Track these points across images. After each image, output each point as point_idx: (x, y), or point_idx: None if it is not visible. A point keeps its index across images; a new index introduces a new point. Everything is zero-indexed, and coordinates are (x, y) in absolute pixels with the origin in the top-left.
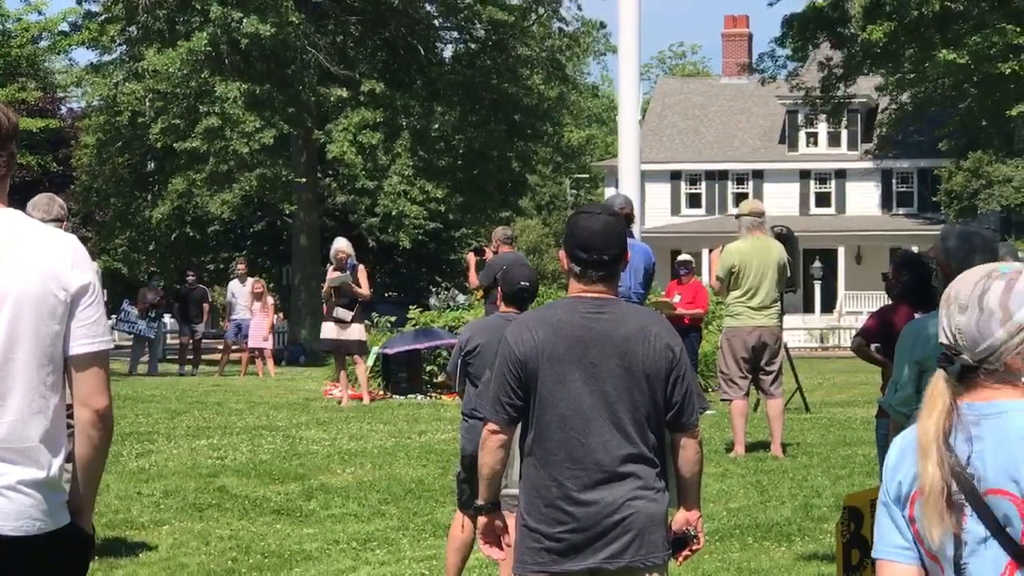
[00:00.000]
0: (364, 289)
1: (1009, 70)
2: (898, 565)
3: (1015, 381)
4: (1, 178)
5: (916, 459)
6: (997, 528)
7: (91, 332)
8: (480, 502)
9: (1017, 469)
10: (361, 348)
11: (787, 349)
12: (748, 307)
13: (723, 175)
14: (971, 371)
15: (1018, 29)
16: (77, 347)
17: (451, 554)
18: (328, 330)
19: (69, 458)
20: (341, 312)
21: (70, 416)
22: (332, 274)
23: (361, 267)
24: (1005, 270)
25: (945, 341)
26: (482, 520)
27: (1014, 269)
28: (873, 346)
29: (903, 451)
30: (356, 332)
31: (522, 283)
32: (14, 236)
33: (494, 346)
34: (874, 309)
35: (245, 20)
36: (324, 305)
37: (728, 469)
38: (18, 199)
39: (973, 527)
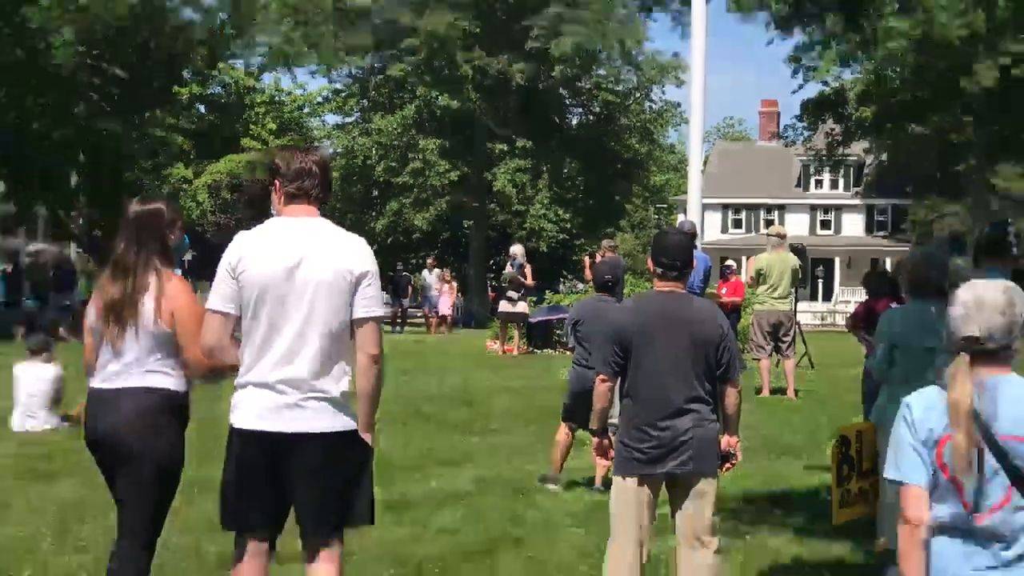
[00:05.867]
0: (529, 280)
1: (956, 139)
2: (916, 487)
3: (1011, 361)
4: (315, 198)
5: (944, 418)
6: (1010, 466)
7: (369, 303)
8: (593, 427)
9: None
10: (524, 318)
11: (799, 325)
12: (771, 297)
13: (758, 207)
14: (990, 353)
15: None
16: (359, 312)
17: (556, 451)
18: (503, 305)
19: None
20: (511, 293)
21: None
22: (508, 270)
23: (528, 266)
24: (1012, 286)
25: (977, 333)
26: (595, 440)
27: (1014, 286)
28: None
29: (927, 408)
30: (522, 307)
31: (606, 277)
32: (321, 239)
33: (591, 318)
34: (861, 300)
35: (440, 97)
36: (500, 288)
37: (757, 407)
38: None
39: (990, 463)
